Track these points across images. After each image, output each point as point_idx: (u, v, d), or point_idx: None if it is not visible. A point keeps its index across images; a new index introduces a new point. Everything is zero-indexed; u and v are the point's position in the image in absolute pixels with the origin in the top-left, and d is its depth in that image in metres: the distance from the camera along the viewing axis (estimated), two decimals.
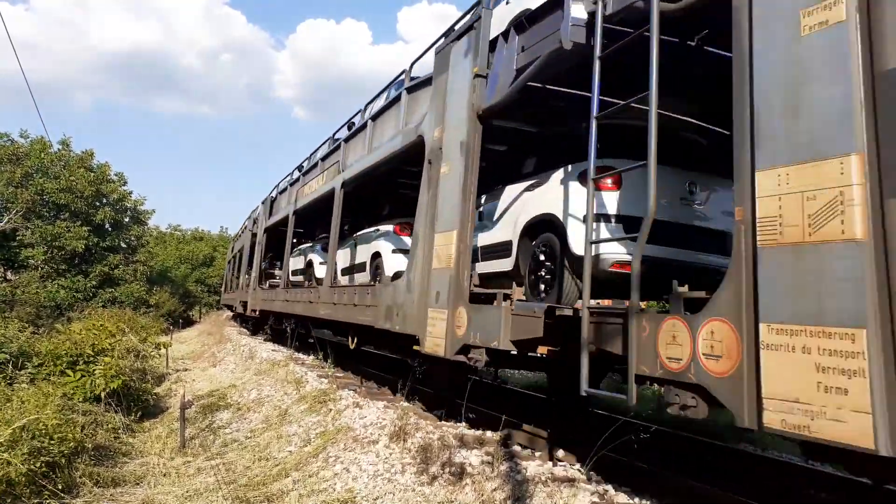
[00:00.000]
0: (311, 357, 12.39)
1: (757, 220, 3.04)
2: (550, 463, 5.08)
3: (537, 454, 5.55)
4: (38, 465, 5.14)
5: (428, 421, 6.43)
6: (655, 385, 3.73)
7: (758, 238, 3.03)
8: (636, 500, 4.30)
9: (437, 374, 7.49)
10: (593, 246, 4.32)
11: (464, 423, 6.62)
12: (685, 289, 3.64)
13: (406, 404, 7.67)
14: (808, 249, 2.80)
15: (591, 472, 4.76)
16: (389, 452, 5.49)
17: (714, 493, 4.62)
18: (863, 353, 2.54)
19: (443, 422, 6.70)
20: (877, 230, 2.63)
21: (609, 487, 4.38)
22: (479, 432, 6.02)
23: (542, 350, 5.28)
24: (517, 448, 5.62)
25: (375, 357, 12.53)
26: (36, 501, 4.88)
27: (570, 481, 4.38)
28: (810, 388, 2.70)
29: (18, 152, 28.24)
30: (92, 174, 29.93)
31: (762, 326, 2.94)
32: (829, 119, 2.80)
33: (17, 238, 27.26)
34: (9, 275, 27.80)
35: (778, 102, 3.03)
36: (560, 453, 5.75)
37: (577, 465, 4.94)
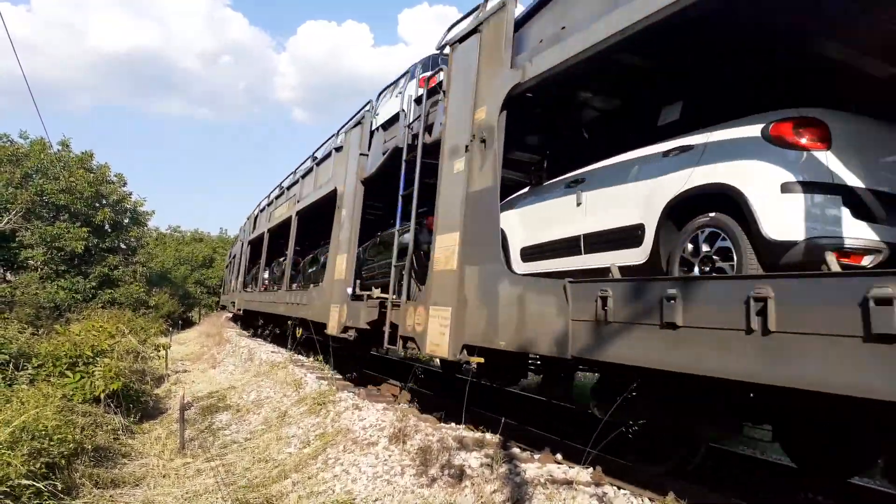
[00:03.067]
0: (311, 359, 12.39)
1: None
2: (550, 465, 5.08)
3: (537, 456, 5.55)
4: (37, 465, 5.14)
5: (427, 423, 6.43)
6: None
7: None
8: (635, 501, 4.31)
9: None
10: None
11: (463, 425, 6.63)
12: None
13: (405, 406, 7.68)
14: None
15: (591, 474, 4.76)
16: (389, 454, 5.50)
17: (713, 496, 4.62)
18: None
19: (442, 423, 6.71)
20: None
21: (608, 489, 4.38)
22: (478, 434, 6.03)
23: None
24: (517, 450, 5.62)
25: (375, 360, 12.54)
26: (36, 502, 4.88)
27: (569, 483, 4.38)
28: None
29: (18, 153, 28.22)
30: (91, 175, 29.92)
31: None
32: None
33: (17, 239, 27.23)
34: (8, 276, 27.78)
35: None
36: (559, 455, 5.76)
37: (577, 467, 4.94)
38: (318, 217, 13.22)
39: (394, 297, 7.55)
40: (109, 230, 31.55)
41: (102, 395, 8.37)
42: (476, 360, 5.75)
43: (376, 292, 8.10)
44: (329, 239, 11.55)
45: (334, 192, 11.11)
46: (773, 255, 3.64)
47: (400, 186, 7.73)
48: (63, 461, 5.62)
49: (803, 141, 3.71)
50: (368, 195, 10.08)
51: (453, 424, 6.78)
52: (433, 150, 7.10)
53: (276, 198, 17.86)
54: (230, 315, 29.12)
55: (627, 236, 4.69)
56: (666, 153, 4.52)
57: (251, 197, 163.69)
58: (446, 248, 6.31)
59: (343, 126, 11.26)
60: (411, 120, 7.96)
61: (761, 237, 3.68)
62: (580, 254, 5.22)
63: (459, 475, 4.65)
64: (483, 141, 5.92)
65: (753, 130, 3.92)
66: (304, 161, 15.05)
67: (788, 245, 3.59)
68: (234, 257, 27.65)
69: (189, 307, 45.17)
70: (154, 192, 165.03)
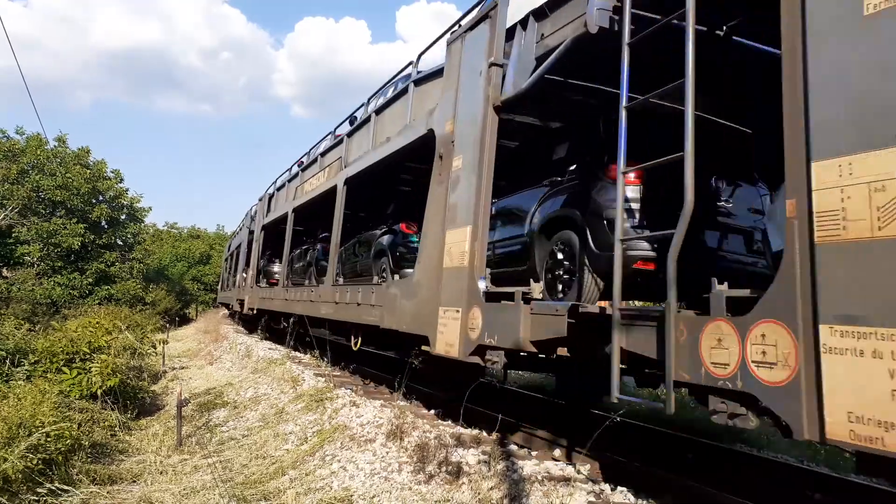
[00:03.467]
0: (308, 356, 12.39)
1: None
2: (547, 462, 5.09)
3: (534, 453, 5.57)
4: (34, 462, 5.14)
5: (425, 420, 6.44)
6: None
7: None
8: (633, 499, 4.33)
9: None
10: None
11: (461, 423, 6.64)
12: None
13: (403, 403, 7.68)
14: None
15: (588, 471, 4.77)
16: (386, 451, 5.50)
17: (710, 492, 4.64)
18: None
19: (440, 421, 6.72)
20: None
21: (605, 487, 4.40)
22: (476, 431, 6.04)
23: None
24: (514, 447, 5.64)
25: (373, 356, 12.53)
26: (33, 499, 4.87)
27: (567, 480, 4.40)
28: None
29: (14, 149, 28.13)
30: (88, 171, 29.85)
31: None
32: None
33: (13, 235, 27.15)
34: (4, 272, 27.70)
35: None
36: (557, 452, 5.77)
37: (574, 464, 4.96)
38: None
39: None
40: (106, 226, 31.50)
41: (99, 392, 8.36)
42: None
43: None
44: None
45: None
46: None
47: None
48: (60, 457, 5.61)
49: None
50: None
51: (450, 422, 6.79)
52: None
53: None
54: (227, 312, 29.08)
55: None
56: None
57: (249, 195, 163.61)
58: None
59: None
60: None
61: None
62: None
63: (457, 472, 4.66)
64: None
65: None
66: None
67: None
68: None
69: (186, 304, 45.10)
70: (152, 189, 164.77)
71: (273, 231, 16.99)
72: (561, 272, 5.25)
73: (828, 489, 5.04)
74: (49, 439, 5.60)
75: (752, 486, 5.06)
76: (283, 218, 15.03)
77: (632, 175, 4.46)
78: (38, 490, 5.01)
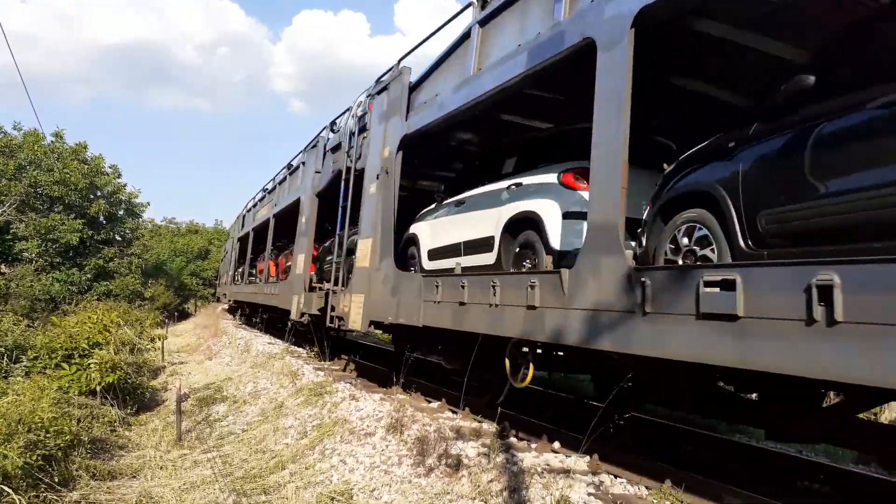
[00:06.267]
0: (307, 350, 12.39)
1: None
2: (547, 454, 5.10)
3: (534, 445, 5.57)
4: (34, 458, 5.14)
5: (424, 413, 6.44)
6: None
7: None
8: (632, 490, 4.33)
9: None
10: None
11: (460, 415, 6.64)
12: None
13: (402, 396, 7.68)
14: None
15: (588, 462, 4.78)
16: (386, 444, 5.50)
17: (708, 482, 4.64)
18: None
19: (439, 413, 6.72)
20: None
21: (605, 478, 4.40)
22: (475, 424, 6.04)
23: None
24: (513, 439, 5.64)
25: (372, 351, 12.55)
26: (32, 494, 4.87)
27: (566, 472, 4.40)
28: None
29: (11, 145, 28.00)
30: (86, 166, 29.71)
31: None
32: None
33: (11, 231, 27.07)
34: (3, 268, 27.63)
35: None
36: (556, 444, 5.77)
37: (574, 456, 4.96)
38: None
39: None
40: (104, 222, 31.37)
41: (99, 388, 8.36)
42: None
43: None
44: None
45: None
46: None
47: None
48: (60, 453, 5.62)
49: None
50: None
51: (450, 414, 6.80)
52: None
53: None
54: (226, 306, 29.09)
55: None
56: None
57: (246, 190, 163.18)
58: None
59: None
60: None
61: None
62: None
63: (457, 464, 4.66)
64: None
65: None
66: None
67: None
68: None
69: (185, 299, 45.06)
70: (150, 185, 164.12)
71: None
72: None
73: (821, 481, 5.05)
74: (48, 435, 5.60)
75: (749, 476, 5.07)
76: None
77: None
78: (38, 486, 5.01)
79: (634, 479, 4.58)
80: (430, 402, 7.64)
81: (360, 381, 9.16)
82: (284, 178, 15.59)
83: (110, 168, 31.91)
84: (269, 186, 18.10)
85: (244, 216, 22.81)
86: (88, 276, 28.80)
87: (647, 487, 4.41)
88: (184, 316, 37.80)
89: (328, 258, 10.90)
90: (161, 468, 6.11)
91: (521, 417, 6.47)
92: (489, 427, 5.95)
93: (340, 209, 9.60)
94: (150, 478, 5.82)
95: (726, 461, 5.56)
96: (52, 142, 29.41)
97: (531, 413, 6.65)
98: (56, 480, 5.20)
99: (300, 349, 12.93)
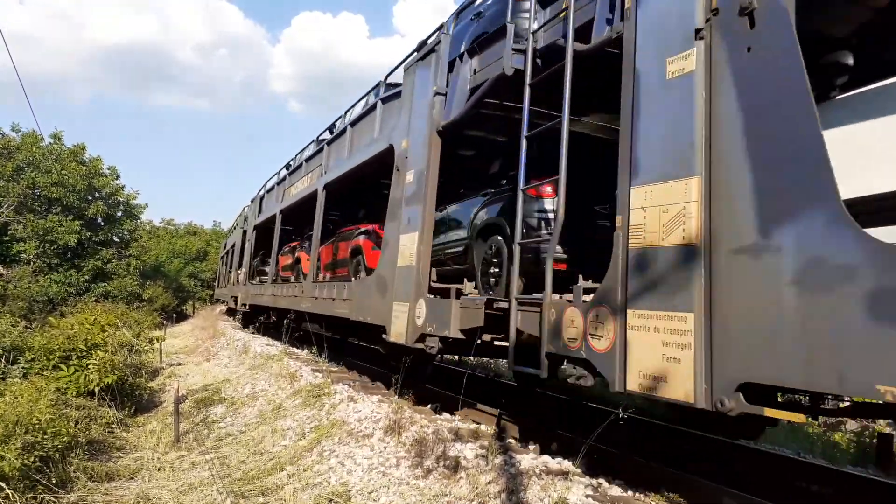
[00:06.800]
0: (305, 351, 12.38)
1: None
2: (545, 456, 5.10)
3: (531, 447, 5.57)
4: (31, 459, 5.13)
5: (423, 415, 6.44)
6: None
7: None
8: (630, 492, 4.34)
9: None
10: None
11: (458, 417, 6.64)
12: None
13: (399, 399, 7.68)
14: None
15: (586, 465, 4.78)
16: (384, 446, 5.50)
17: (705, 484, 4.65)
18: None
19: (437, 415, 6.72)
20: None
21: (603, 480, 4.41)
22: (473, 426, 6.04)
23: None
24: (511, 441, 5.64)
25: (369, 351, 12.54)
26: (30, 496, 4.87)
27: (564, 474, 4.40)
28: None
29: (10, 146, 27.98)
30: (84, 168, 29.70)
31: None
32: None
33: (9, 232, 27.04)
34: (1, 269, 27.61)
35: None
36: (554, 446, 5.78)
37: (572, 458, 4.96)
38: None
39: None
40: (102, 223, 31.36)
41: (97, 389, 8.35)
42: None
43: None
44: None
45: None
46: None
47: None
48: (57, 455, 5.61)
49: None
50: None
51: (448, 416, 6.80)
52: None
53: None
54: (224, 308, 29.05)
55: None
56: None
57: (245, 191, 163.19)
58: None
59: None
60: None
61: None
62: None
63: (455, 466, 4.66)
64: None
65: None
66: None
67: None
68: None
69: (183, 300, 45.04)
70: (148, 186, 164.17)
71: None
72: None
73: (820, 482, 5.06)
74: (46, 437, 5.60)
75: (747, 478, 5.08)
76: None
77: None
78: (35, 488, 5.01)
79: (632, 481, 4.59)
80: (438, 414, 7.64)
81: (359, 383, 9.15)
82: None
83: (108, 169, 31.93)
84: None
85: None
86: (86, 277, 28.78)
87: (644, 489, 4.42)
88: (182, 317, 37.83)
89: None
90: (159, 469, 6.10)
91: (519, 420, 6.48)
92: (487, 429, 5.95)
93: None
94: (147, 479, 5.81)
95: (723, 462, 5.56)
96: (50, 143, 29.39)
97: (530, 414, 6.65)
98: (53, 482, 5.20)
99: (298, 350, 12.92)
